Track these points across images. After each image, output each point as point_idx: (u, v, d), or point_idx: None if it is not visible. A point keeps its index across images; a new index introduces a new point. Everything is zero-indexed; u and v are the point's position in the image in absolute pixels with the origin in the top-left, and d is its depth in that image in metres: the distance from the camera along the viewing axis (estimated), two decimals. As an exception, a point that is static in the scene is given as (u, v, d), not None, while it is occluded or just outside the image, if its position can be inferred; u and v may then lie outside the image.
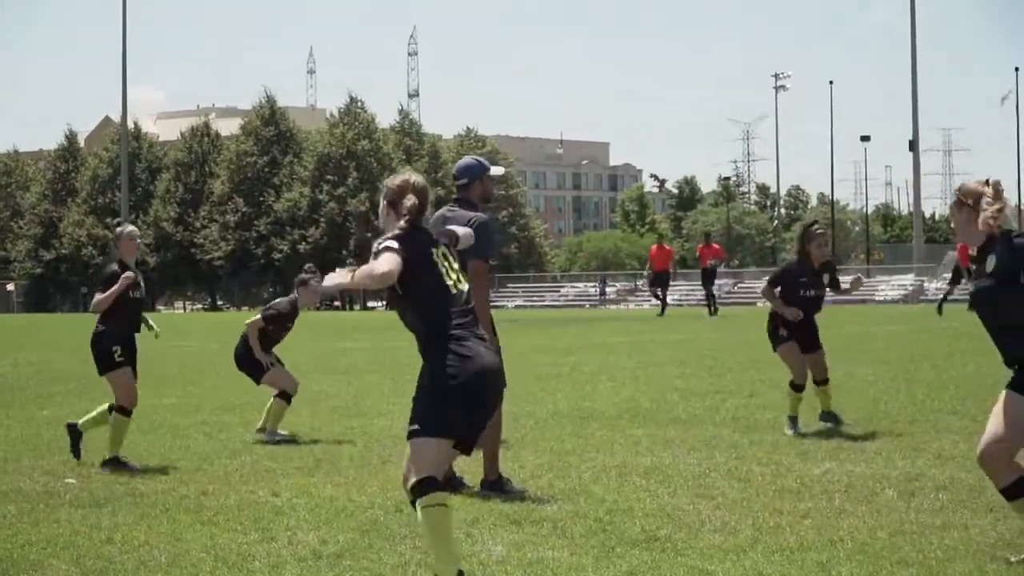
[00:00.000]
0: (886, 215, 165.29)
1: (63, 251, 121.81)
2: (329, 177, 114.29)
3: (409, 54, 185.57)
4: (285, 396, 16.02)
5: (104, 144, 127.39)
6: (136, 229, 14.28)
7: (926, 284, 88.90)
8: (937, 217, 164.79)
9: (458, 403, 7.78)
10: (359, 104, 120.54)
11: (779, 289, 15.87)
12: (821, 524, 10.05)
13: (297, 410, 19.11)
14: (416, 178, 8.35)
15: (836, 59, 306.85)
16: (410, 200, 8.15)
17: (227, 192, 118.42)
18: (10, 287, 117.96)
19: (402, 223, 8.05)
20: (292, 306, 16.52)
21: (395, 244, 7.85)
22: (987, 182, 8.51)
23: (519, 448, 13.76)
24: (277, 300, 16.81)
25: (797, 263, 15.94)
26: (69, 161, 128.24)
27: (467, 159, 12.06)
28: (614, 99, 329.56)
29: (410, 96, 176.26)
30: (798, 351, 15.80)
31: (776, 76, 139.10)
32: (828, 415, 15.85)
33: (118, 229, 14.12)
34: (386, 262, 7.76)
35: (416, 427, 7.82)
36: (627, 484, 12.21)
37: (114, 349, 13.62)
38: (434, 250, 8.11)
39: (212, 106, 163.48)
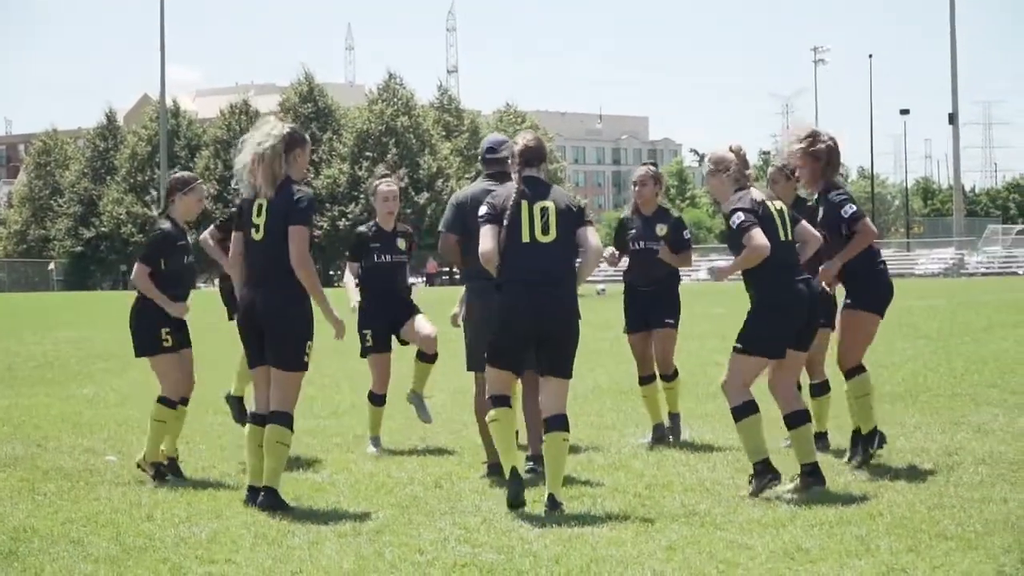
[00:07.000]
0: (926, 188, 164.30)
1: (103, 229, 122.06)
2: (368, 153, 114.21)
3: (448, 30, 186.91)
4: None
5: (143, 122, 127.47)
6: (203, 184, 11.83)
7: (966, 258, 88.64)
8: (977, 190, 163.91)
9: None
10: (398, 80, 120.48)
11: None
12: (860, 498, 10.04)
13: (338, 385, 19.15)
14: None
15: (875, 32, 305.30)
16: None
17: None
18: (50, 266, 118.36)
19: None
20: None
21: None
22: None
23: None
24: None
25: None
26: (108, 139, 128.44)
27: (496, 135, 12.19)
28: (653, 74, 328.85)
29: (449, 72, 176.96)
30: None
31: (815, 50, 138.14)
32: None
33: (178, 175, 11.81)
34: None
35: None
36: (666, 459, 12.23)
37: (163, 330, 11.45)
38: None
39: (250, 83, 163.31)
